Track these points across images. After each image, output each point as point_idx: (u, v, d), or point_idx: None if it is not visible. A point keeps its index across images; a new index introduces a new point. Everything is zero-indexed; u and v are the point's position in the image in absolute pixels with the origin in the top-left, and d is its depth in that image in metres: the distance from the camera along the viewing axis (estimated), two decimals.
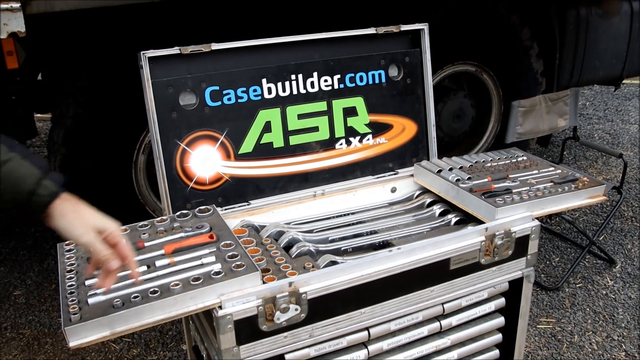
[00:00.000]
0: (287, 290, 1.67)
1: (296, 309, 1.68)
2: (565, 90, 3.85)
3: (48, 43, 3.20)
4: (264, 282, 1.69)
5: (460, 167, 2.36)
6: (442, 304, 1.98)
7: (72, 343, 1.45)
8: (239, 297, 1.61)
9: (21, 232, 4.18)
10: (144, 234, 1.88)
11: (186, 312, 1.58)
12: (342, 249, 2.05)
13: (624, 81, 4.80)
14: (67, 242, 1.86)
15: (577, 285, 3.67)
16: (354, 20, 2.63)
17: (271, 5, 3.22)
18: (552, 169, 2.37)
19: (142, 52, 1.98)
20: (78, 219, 1.34)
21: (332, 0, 3.38)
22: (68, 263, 1.76)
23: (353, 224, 2.22)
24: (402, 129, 2.45)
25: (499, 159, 2.47)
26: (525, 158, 2.48)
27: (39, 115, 4.27)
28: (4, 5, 2.07)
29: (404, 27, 2.38)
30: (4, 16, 2.10)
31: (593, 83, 4.48)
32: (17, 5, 2.08)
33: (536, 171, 2.34)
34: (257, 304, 1.63)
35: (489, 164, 2.41)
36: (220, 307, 1.60)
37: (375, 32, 2.33)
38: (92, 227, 1.36)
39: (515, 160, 2.45)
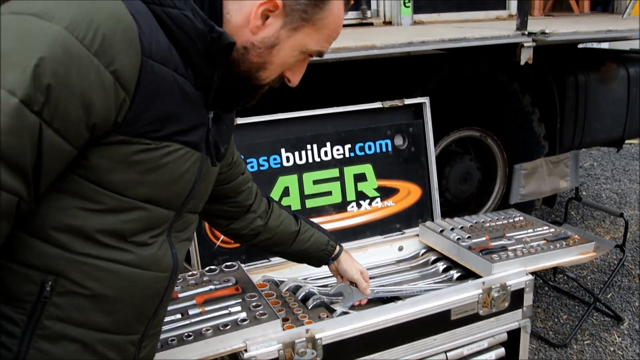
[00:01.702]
0: (305, 336, 1.94)
1: (312, 353, 1.94)
2: (566, 153, 4.15)
3: None
4: (283, 329, 1.96)
5: (461, 227, 2.64)
6: (445, 352, 2.22)
7: None
8: (262, 341, 1.89)
9: None
10: (177, 286, 2.17)
11: (216, 354, 1.85)
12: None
13: (628, 142, 5.10)
14: None
15: (585, 342, 3.86)
16: (365, 94, 2.97)
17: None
18: (546, 227, 2.64)
19: None
20: (351, 264, 2.14)
21: (343, 77, 3.74)
22: None
23: None
24: (408, 193, 2.75)
25: (497, 219, 2.75)
26: (521, 218, 2.76)
27: None
28: None
29: (408, 101, 2.72)
30: None
31: (595, 145, 4.78)
32: None
33: (531, 230, 2.61)
34: (278, 348, 1.90)
35: (488, 224, 2.69)
36: (245, 350, 1.87)
37: (381, 106, 2.67)
38: (358, 270, 2.14)
39: (512, 220, 2.73)
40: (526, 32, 3.06)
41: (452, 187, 4.31)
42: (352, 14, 4.02)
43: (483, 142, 4.34)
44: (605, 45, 6.34)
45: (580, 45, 5.14)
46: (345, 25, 3.87)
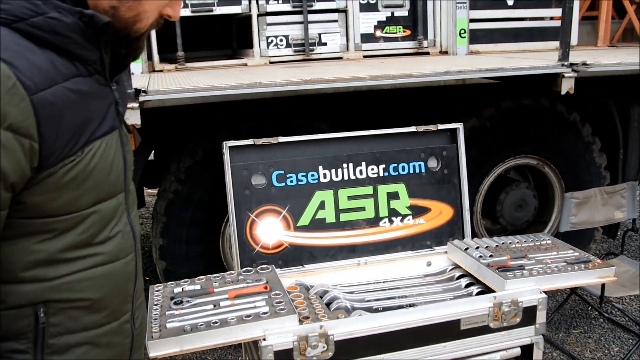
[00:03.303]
0: (318, 331, 2.22)
1: (324, 347, 2.22)
2: (623, 184, 4.19)
3: (159, 130, 4.03)
4: (301, 324, 2.24)
5: (486, 247, 2.83)
6: None
7: (152, 354, 2.07)
8: (279, 332, 2.18)
9: None
10: (215, 282, 2.51)
11: (237, 340, 2.16)
12: (373, 307, 2.57)
13: None
14: (157, 285, 2.52)
15: None
16: (418, 119, 3.21)
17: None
18: (571, 251, 2.78)
19: (224, 142, 2.68)
20: None
21: (403, 100, 4.00)
22: (155, 300, 2.40)
23: (388, 290, 2.74)
24: (440, 212, 2.97)
25: (524, 241, 2.92)
26: (549, 242, 2.91)
27: (148, 190, 5.12)
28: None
29: (442, 126, 2.95)
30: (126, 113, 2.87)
31: None
32: (136, 105, 2.84)
33: (555, 253, 2.77)
34: (293, 340, 2.18)
35: (514, 245, 2.87)
36: (264, 339, 2.17)
37: (416, 130, 2.92)
38: None
39: (538, 242, 2.89)
40: (567, 63, 3.21)
41: (506, 213, 4.45)
42: (408, 44, 4.29)
43: (540, 170, 4.45)
44: None
45: None
46: (401, 54, 4.15)
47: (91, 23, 1.12)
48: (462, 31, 4.24)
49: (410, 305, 2.57)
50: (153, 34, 3.87)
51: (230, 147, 2.69)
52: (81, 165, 1.15)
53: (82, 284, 1.21)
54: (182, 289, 2.49)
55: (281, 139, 2.76)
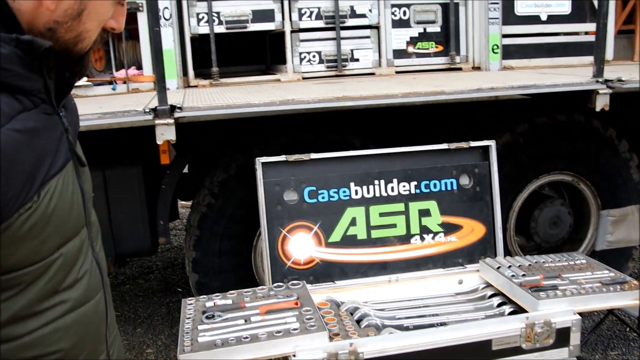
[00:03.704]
0: (348, 349, 2.23)
1: None
2: None
3: (193, 144, 4.10)
4: (331, 341, 2.26)
5: (519, 266, 2.81)
6: None
7: None
8: (309, 349, 2.20)
9: (158, 301, 5.04)
10: (246, 297, 2.54)
11: (267, 355, 2.18)
12: (404, 325, 2.57)
13: None
14: (189, 299, 2.56)
15: None
16: (452, 134, 3.22)
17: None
18: (607, 272, 2.75)
19: (257, 159, 2.72)
20: None
21: (436, 115, 4.00)
22: (188, 313, 2.45)
23: (419, 308, 2.74)
24: (472, 230, 2.97)
25: (558, 260, 2.89)
26: (584, 261, 2.88)
27: (182, 202, 5.20)
28: (161, 121, 2.91)
29: (474, 144, 2.95)
30: (161, 129, 2.93)
31: None
32: (171, 121, 2.90)
33: (589, 273, 2.73)
34: (323, 357, 2.20)
35: (547, 265, 2.84)
36: (294, 355, 2.19)
37: (447, 147, 2.92)
38: None
39: (572, 262, 2.86)
40: (601, 80, 3.18)
41: (541, 230, 4.39)
42: (441, 59, 4.29)
43: (576, 187, 4.40)
44: None
45: None
46: (433, 70, 4.15)
47: (30, 49, 1.00)
48: (495, 47, 4.23)
49: (442, 324, 2.56)
50: (188, 50, 3.95)
51: (263, 163, 2.73)
52: (39, 210, 1.03)
53: (54, 336, 1.11)
54: (214, 303, 2.53)
55: (313, 156, 2.79)
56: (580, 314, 2.48)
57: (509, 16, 4.35)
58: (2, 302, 1.02)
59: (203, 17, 3.92)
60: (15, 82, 1.00)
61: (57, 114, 1.12)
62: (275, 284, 2.67)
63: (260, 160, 2.72)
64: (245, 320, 2.34)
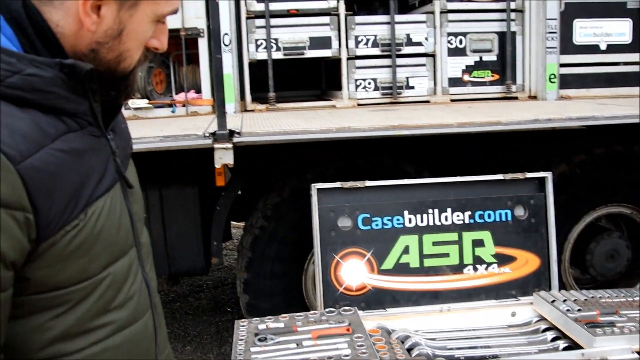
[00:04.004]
0: None
1: None
2: None
3: (248, 167, 4.19)
4: None
5: (574, 300, 2.77)
6: None
7: None
8: None
9: (208, 320, 5.13)
10: (298, 321, 2.58)
11: None
12: (455, 356, 2.56)
13: None
14: (242, 320, 2.62)
15: None
16: (511, 161, 3.22)
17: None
18: None
19: (313, 185, 2.78)
20: None
21: (491, 143, 3.99)
22: (240, 335, 2.50)
23: (471, 339, 2.72)
24: (526, 262, 2.95)
25: (615, 296, 2.84)
26: None
27: (234, 223, 5.30)
28: (220, 146, 3.00)
29: (529, 175, 2.94)
30: (220, 153, 3.02)
31: None
32: (230, 145, 2.99)
33: None
34: None
35: (604, 300, 2.79)
36: None
37: (503, 178, 2.92)
38: None
39: (630, 298, 2.80)
40: None
41: (597, 263, 4.30)
42: (497, 88, 4.29)
43: (634, 220, 4.31)
44: None
45: None
46: (489, 99, 4.15)
47: (73, 73, 1.04)
48: (552, 76, 4.20)
49: (494, 357, 2.55)
50: (246, 75, 4.06)
51: (319, 190, 2.78)
52: (87, 229, 1.06)
53: (103, 355, 1.13)
54: (267, 325, 2.58)
55: (368, 183, 2.83)
56: (638, 352, 2.43)
57: (567, 45, 4.32)
58: (52, 319, 1.05)
59: (261, 44, 4.03)
60: (59, 105, 1.04)
61: (104, 136, 1.16)
62: (327, 309, 2.70)
63: (315, 186, 2.77)
64: (297, 345, 2.38)
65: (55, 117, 1.03)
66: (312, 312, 2.68)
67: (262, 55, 4.04)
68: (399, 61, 4.16)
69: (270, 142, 3.23)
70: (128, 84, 1.19)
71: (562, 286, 3.52)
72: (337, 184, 2.81)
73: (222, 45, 3.86)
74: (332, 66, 4.49)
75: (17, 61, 0.99)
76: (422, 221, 2.88)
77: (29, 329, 1.04)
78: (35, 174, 0.97)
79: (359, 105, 4.16)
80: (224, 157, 3.00)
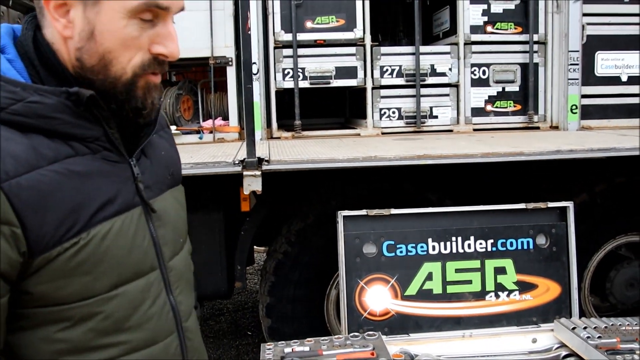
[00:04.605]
0: None
1: None
2: None
3: (273, 194, 4.31)
4: None
5: (595, 327, 2.86)
6: None
7: None
8: None
9: (228, 343, 5.23)
10: (323, 345, 2.69)
11: None
12: None
13: None
14: (268, 344, 2.73)
15: None
16: (532, 190, 3.31)
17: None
18: None
19: (339, 212, 2.90)
20: None
21: (513, 172, 4.09)
22: (266, 358, 2.61)
23: None
24: (547, 289, 3.04)
25: (635, 324, 2.91)
26: None
27: (257, 247, 5.42)
28: (249, 173, 3.14)
29: (551, 204, 3.04)
30: (248, 180, 3.15)
31: None
32: (258, 173, 3.13)
33: None
34: None
35: (624, 328, 2.87)
36: None
37: (525, 207, 3.03)
38: None
39: None
40: None
41: (617, 291, 4.36)
42: (519, 118, 4.41)
43: None
44: None
45: None
46: (511, 128, 4.26)
47: (79, 100, 1.08)
48: (574, 107, 4.31)
49: None
50: (273, 103, 4.20)
51: (345, 217, 2.90)
52: (89, 248, 1.09)
53: None
54: (292, 349, 2.68)
55: (393, 211, 2.95)
56: None
57: (589, 77, 4.44)
58: (59, 331, 1.09)
59: (289, 73, 4.19)
60: (65, 130, 1.09)
61: (126, 162, 1.19)
62: (352, 334, 2.80)
63: (341, 213, 2.90)
64: None
65: (63, 141, 1.09)
66: (336, 336, 2.78)
67: (289, 84, 4.20)
68: (423, 91, 4.30)
69: (298, 170, 3.36)
70: (132, 96, 1.15)
71: (582, 314, 3.59)
72: (363, 212, 2.94)
73: (244, 73, 4.02)
74: (356, 94, 4.63)
75: (22, 90, 1.06)
76: (445, 248, 2.99)
77: (37, 340, 1.08)
78: (22, 192, 1.01)
79: (383, 133, 4.29)
80: (252, 184, 3.13)
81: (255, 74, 4.09)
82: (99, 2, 1.07)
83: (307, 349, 2.68)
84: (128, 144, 1.20)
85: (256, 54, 4.04)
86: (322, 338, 2.77)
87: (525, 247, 3.04)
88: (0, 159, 1.01)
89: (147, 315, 1.19)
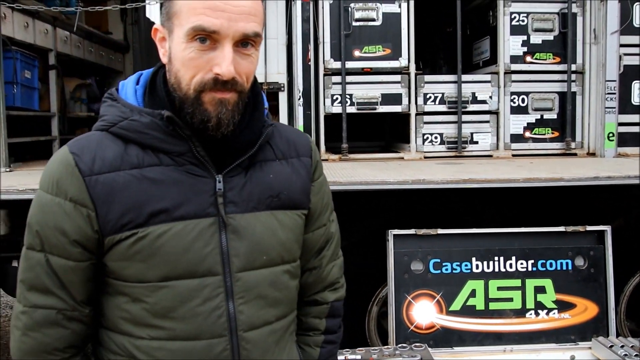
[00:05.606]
0: None
1: None
2: None
3: None
4: None
5: (632, 346, 3.07)
6: None
7: None
8: None
9: None
10: (374, 354, 2.94)
11: None
12: None
13: None
14: None
15: None
16: (570, 214, 3.53)
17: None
18: None
19: (389, 230, 3.16)
20: None
21: (552, 197, 4.30)
22: None
23: None
24: (585, 309, 3.25)
25: None
26: None
27: None
28: None
29: (590, 228, 3.27)
30: None
31: None
32: None
33: None
34: None
35: None
36: None
37: (564, 230, 3.26)
38: None
39: None
40: None
41: None
42: (556, 145, 4.63)
43: None
44: None
45: None
46: (549, 155, 4.47)
47: (171, 121, 1.31)
48: (611, 134, 4.52)
49: None
50: (322, 127, 4.48)
51: (395, 235, 3.16)
52: (145, 241, 1.30)
53: (159, 352, 1.34)
54: (345, 357, 2.94)
55: (440, 231, 3.21)
56: None
57: (626, 105, 4.64)
58: (125, 303, 1.34)
59: (337, 98, 4.47)
60: (154, 144, 1.32)
61: (211, 177, 1.34)
62: (400, 344, 3.05)
63: (392, 232, 3.16)
64: None
65: (153, 152, 1.32)
66: (386, 346, 3.04)
67: (337, 109, 4.48)
68: (464, 117, 4.55)
69: (353, 191, 3.62)
70: (198, 110, 1.30)
71: (619, 336, 3.78)
72: (412, 231, 3.19)
73: (302, 100, 4.32)
74: (398, 119, 4.89)
75: (129, 111, 1.34)
76: (488, 267, 3.23)
77: (113, 305, 1.35)
78: (97, 186, 1.29)
79: (425, 157, 4.54)
80: None
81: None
82: (174, 32, 1.31)
83: (358, 357, 2.93)
84: (222, 162, 1.36)
85: (307, 81, 4.35)
86: (372, 348, 3.03)
87: (564, 267, 3.26)
88: (95, 159, 1.30)
89: (194, 312, 1.33)
